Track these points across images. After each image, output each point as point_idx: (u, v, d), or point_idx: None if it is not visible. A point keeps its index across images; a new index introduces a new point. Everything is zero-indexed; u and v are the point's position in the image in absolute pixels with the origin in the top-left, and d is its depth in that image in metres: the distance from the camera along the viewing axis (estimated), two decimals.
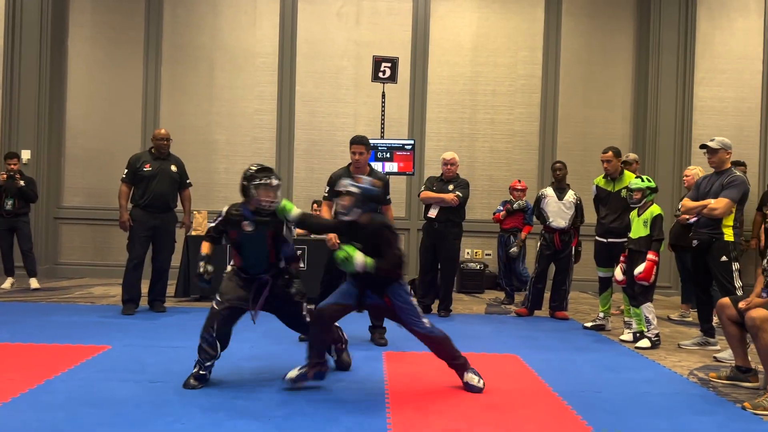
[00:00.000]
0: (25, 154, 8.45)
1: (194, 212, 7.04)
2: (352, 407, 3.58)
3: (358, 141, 5.28)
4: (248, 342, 5.04)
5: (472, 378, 3.95)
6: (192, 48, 9.26)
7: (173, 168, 6.33)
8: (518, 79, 9.38)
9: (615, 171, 6.10)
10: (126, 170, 6.22)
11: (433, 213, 6.55)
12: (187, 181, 6.53)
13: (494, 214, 7.96)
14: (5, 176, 7.40)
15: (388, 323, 5.02)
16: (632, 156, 6.95)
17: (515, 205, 7.73)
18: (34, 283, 7.62)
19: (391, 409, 3.57)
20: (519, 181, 7.97)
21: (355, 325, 5.86)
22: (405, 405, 3.66)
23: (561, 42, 9.36)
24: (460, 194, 6.50)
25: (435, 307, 6.75)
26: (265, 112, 9.29)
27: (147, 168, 6.17)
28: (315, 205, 8.15)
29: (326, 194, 5.33)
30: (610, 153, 6.08)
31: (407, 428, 3.29)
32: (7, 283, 7.65)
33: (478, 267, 8.58)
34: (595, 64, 9.40)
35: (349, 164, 5.34)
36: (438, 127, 9.32)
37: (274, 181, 3.93)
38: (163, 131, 6.36)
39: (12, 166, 7.47)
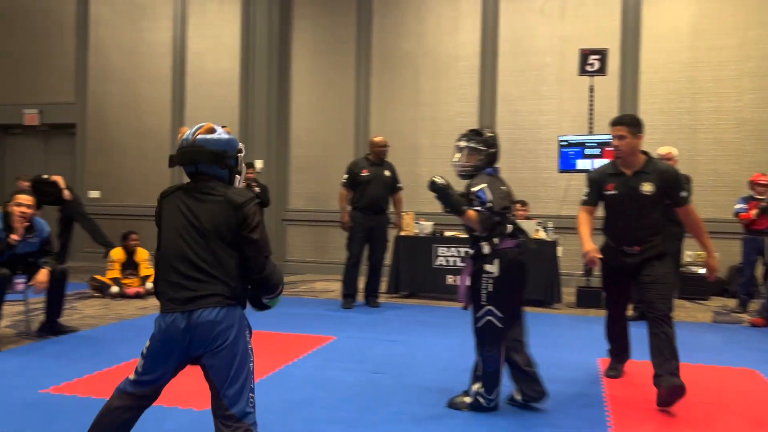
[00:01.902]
0: (258, 164, 9.56)
1: (403, 213, 7.40)
2: (572, 412, 3.52)
3: (617, 122, 3.94)
4: (450, 338, 5.20)
5: None
6: (398, 56, 9.73)
7: (387, 173, 6.74)
8: (747, 61, 8.36)
9: None
10: (346, 175, 6.75)
11: None
12: (398, 185, 6.90)
13: (738, 213, 7.02)
14: (245, 184, 8.42)
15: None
16: None
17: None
18: None
19: (612, 416, 3.45)
20: (763, 174, 7.10)
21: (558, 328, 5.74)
22: (626, 412, 3.52)
23: None
24: None
25: None
26: (466, 114, 9.43)
27: (364, 173, 6.64)
28: (519, 205, 8.07)
29: (585, 197, 4.13)
30: None
31: None
32: None
33: (702, 271, 7.82)
34: None
35: (616, 159, 4.04)
36: (652, 119, 8.65)
37: None
38: (382, 138, 6.82)
39: (249, 175, 8.51)
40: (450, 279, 7.38)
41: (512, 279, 3.47)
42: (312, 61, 10.06)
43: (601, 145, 7.19)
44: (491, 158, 3.63)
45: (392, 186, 6.82)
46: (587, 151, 7.23)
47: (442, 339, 5.30)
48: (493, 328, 3.43)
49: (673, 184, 3.88)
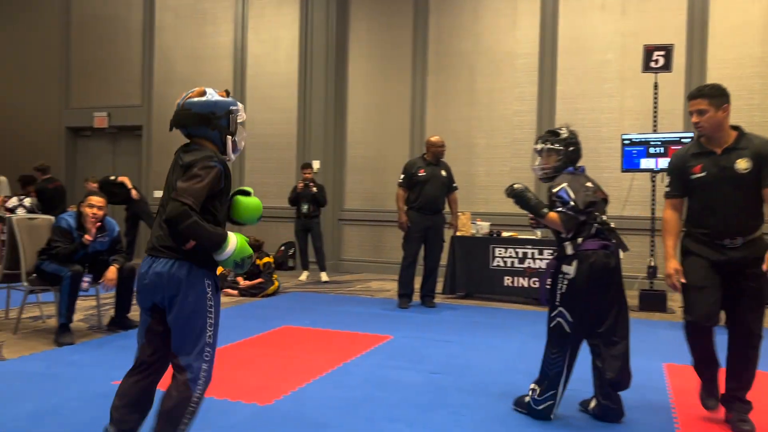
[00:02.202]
0: (315, 164, 9.69)
1: (459, 214, 7.35)
2: (639, 420, 3.43)
3: (695, 94, 3.33)
4: (508, 339, 5.14)
5: None
6: (454, 55, 9.68)
7: (443, 173, 6.72)
8: None
9: None
10: (402, 176, 6.76)
11: None
12: (454, 185, 6.87)
13: None
14: (302, 185, 8.60)
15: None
16: None
17: None
18: (324, 276, 8.73)
19: (681, 426, 3.34)
20: None
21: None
22: (695, 422, 3.40)
23: None
24: None
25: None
26: (524, 113, 9.30)
27: (421, 173, 6.64)
28: None
29: (668, 188, 3.51)
30: None
31: None
32: (304, 275, 8.88)
33: None
34: None
35: (699, 137, 3.40)
36: None
37: None
38: (439, 138, 6.80)
39: (307, 175, 8.64)
40: (508, 280, 7.30)
41: (592, 284, 3.27)
42: (368, 61, 10.12)
43: (666, 143, 6.97)
44: (571, 157, 3.49)
45: (448, 186, 6.80)
46: (651, 150, 7.02)
47: (500, 340, 5.25)
48: (561, 330, 3.31)
49: (766, 160, 3.17)
